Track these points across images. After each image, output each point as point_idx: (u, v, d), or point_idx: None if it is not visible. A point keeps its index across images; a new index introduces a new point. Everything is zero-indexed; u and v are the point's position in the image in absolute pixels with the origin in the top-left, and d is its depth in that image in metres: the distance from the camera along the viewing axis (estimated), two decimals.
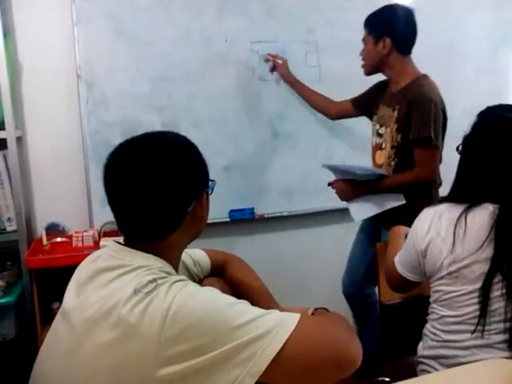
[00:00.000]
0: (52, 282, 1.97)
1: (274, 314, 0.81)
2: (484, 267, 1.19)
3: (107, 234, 2.19)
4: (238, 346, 0.75)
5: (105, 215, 2.13)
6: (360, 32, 2.04)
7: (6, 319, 1.99)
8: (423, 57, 2.54)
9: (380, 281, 1.66)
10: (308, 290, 2.51)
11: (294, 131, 2.50)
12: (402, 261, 1.39)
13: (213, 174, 0.98)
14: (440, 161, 1.94)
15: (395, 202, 1.94)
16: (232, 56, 2.35)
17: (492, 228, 1.19)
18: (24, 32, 2.15)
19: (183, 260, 1.09)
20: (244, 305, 0.82)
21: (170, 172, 0.88)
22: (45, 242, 2.10)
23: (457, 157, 1.34)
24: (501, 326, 1.18)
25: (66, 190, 2.25)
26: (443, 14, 2.68)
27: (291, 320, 0.80)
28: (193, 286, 0.82)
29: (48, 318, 2.08)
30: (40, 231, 2.18)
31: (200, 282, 1.17)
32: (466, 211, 1.23)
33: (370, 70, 2.05)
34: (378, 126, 2.05)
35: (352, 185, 2.01)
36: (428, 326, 1.33)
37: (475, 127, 1.30)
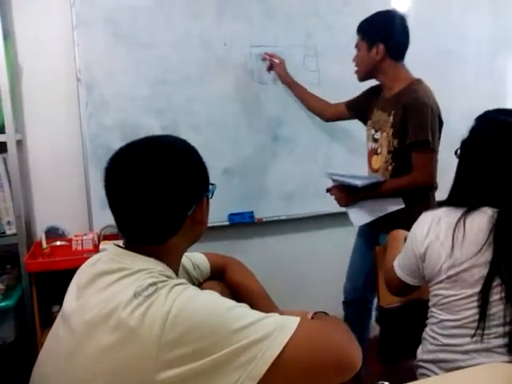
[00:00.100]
0: (52, 285, 1.97)
1: (274, 318, 0.81)
2: (483, 271, 1.19)
3: (107, 238, 2.19)
4: (237, 349, 0.75)
5: (104, 218, 2.13)
6: None
7: (6, 322, 1.99)
8: (422, 61, 2.55)
9: (379, 285, 1.66)
10: (307, 293, 2.51)
11: (293, 135, 2.51)
12: (401, 265, 1.39)
13: (212, 178, 0.99)
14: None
15: (394, 206, 1.95)
16: (231, 59, 2.36)
17: (491, 232, 1.20)
18: (24, 35, 2.16)
19: (183, 263, 1.09)
20: (244, 308, 0.82)
21: (170, 176, 0.88)
22: (44, 245, 2.10)
23: (454, 160, 1.35)
24: (500, 329, 1.18)
25: (65, 194, 2.26)
26: (442, 19, 2.69)
27: (291, 323, 0.80)
28: (193, 290, 0.82)
29: (48, 321, 2.07)
30: (40, 234, 2.18)
31: (200, 285, 1.17)
32: (464, 215, 1.23)
33: (363, 76, 2.06)
34: (373, 131, 2.06)
35: (350, 191, 2.01)
36: (427, 329, 1.33)
37: (473, 131, 1.30)
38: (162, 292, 0.79)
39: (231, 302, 0.83)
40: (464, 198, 1.28)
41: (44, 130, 2.22)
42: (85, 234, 2.18)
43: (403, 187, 1.92)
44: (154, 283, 0.81)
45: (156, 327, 0.75)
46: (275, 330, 0.78)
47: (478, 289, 1.19)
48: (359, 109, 2.19)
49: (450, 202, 1.31)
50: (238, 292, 1.16)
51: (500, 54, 2.87)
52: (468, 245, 1.21)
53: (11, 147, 1.99)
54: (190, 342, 0.74)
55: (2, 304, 1.92)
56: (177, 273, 0.95)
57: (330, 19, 2.48)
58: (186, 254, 1.02)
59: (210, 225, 1.00)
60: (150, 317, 0.76)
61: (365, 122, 2.17)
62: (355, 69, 2.06)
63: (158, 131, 1.05)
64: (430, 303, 1.32)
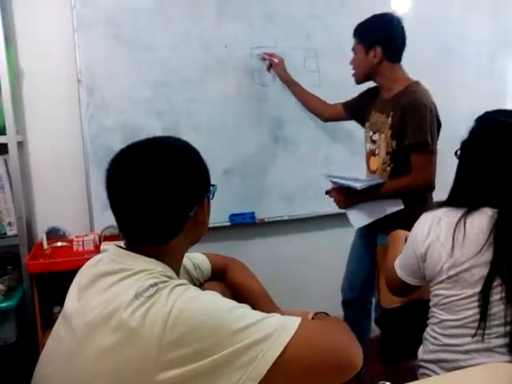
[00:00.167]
0: (53, 286, 1.97)
1: (275, 318, 0.81)
2: (483, 271, 1.19)
3: (108, 238, 2.19)
4: (238, 349, 0.75)
5: (105, 219, 2.13)
6: None
7: (7, 323, 2.00)
8: (422, 61, 2.56)
9: (380, 285, 1.66)
10: (308, 293, 2.51)
11: (294, 136, 2.51)
12: (401, 265, 1.39)
13: (213, 179, 0.99)
14: None
15: (394, 207, 1.95)
16: (232, 61, 2.37)
17: (491, 232, 1.20)
18: (25, 37, 2.16)
19: (184, 264, 1.09)
20: (245, 309, 0.83)
21: (172, 177, 0.88)
22: (45, 246, 2.10)
23: (454, 160, 1.35)
24: (501, 329, 1.18)
25: (66, 195, 2.26)
26: (442, 19, 2.70)
27: (292, 324, 0.80)
28: (194, 290, 0.83)
29: (49, 322, 2.08)
30: (41, 235, 2.19)
31: (201, 285, 1.17)
32: (464, 216, 1.24)
33: (360, 79, 2.07)
34: (371, 133, 2.07)
35: (350, 193, 2.02)
36: (428, 329, 1.33)
37: (473, 132, 1.31)
38: (163, 293, 0.79)
39: (232, 303, 0.83)
40: (464, 198, 1.28)
41: (45, 132, 2.23)
42: (86, 235, 2.19)
43: (403, 188, 1.92)
44: (155, 284, 0.81)
45: (157, 328, 0.75)
46: (276, 331, 0.78)
47: (478, 289, 1.20)
48: (356, 110, 2.19)
49: (450, 202, 1.31)
50: (239, 292, 1.16)
51: (500, 55, 2.87)
52: (468, 245, 1.22)
53: (12, 149, 1.99)
54: (190, 343, 0.75)
55: (3, 305, 1.92)
56: (178, 273, 0.95)
57: (329, 20, 2.48)
58: (187, 254, 1.02)
59: (211, 225, 1.01)
60: (151, 317, 0.76)
61: (362, 124, 2.18)
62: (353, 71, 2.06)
63: (158, 133, 1.05)
64: (431, 303, 1.32)
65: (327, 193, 2.10)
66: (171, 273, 0.89)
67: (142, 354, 0.75)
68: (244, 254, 1.39)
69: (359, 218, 2.05)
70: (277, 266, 2.56)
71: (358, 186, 1.92)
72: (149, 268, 0.85)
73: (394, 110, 1.92)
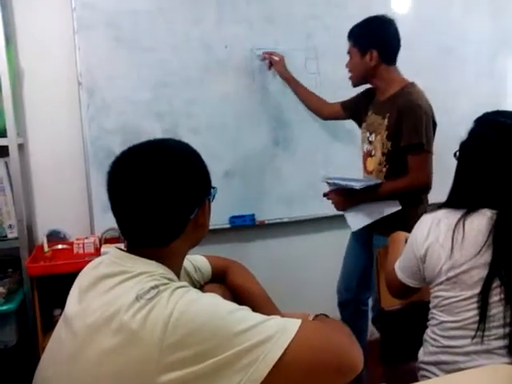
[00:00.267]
0: (53, 289, 1.97)
1: (276, 320, 0.81)
2: (482, 272, 1.19)
3: (108, 241, 2.19)
4: (239, 351, 0.75)
5: (106, 222, 2.13)
6: None
7: (7, 326, 1.99)
8: (422, 61, 2.56)
9: (380, 287, 1.66)
10: (308, 295, 2.51)
11: (294, 138, 2.51)
12: (401, 267, 1.39)
13: (213, 181, 0.99)
14: None
15: (391, 208, 1.96)
16: (232, 62, 2.37)
17: (490, 233, 1.20)
18: (26, 39, 2.16)
19: (184, 266, 1.09)
20: (245, 311, 0.83)
21: (173, 179, 0.88)
22: (46, 248, 2.10)
23: (454, 161, 1.35)
24: (500, 331, 1.18)
25: (67, 197, 2.26)
26: (442, 19, 2.70)
27: (292, 326, 0.80)
28: (194, 293, 0.83)
29: (49, 325, 2.07)
30: (41, 238, 2.18)
31: (201, 288, 1.17)
32: (464, 217, 1.24)
33: (357, 82, 2.09)
34: (367, 134, 2.08)
35: (347, 195, 2.03)
36: (428, 331, 1.33)
37: (472, 133, 1.31)
38: (164, 295, 0.79)
39: (233, 305, 0.83)
40: (463, 199, 1.28)
41: (45, 134, 2.23)
42: (86, 238, 2.18)
43: (400, 189, 1.94)
44: (156, 286, 0.81)
45: (158, 330, 0.75)
46: (277, 333, 0.78)
47: (477, 290, 1.20)
48: (353, 110, 2.21)
49: (449, 203, 1.31)
50: (240, 295, 1.16)
51: (500, 55, 2.87)
52: (467, 246, 1.22)
53: (13, 151, 1.99)
54: (191, 345, 0.75)
55: (4, 308, 1.92)
56: (178, 276, 0.95)
57: (329, 21, 2.48)
58: (187, 256, 1.02)
59: (211, 227, 1.01)
60: (152, 320, 0.76)
61: (359, 124, 2.19)
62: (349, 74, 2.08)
63: (159, 134, 1.05)
64: (431, 305, 1.32)
65: (325, 195, 2.11)
66: (172, 275, 0.89)
67: (142, 357, 0.75)
68: (244, 256, 1.39)
69: (357, 220, 2.07)
70: (277, 268, 2.56)
71: (357, 185, 1.93)
72: (149, 270, 0.86)
73: (390, 111, 1.94)
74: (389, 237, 1.66)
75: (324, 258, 2.61)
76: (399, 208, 1.95)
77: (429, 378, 1.28)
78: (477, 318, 1.19)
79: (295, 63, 2.41)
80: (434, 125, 1.95)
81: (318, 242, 2.66)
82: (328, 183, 2.10)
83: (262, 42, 2.39)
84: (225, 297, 0.87)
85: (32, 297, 2.01)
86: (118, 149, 0.93)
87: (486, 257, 1.19)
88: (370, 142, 2.05)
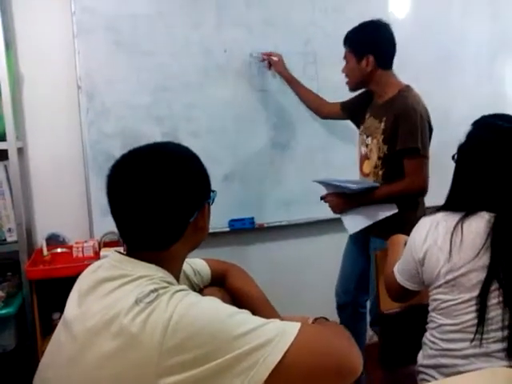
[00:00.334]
0: (52, 292, 1.97)
1: (275, 324, 0.81)
2: (481, 275, 1.20)
3: (107, 245, 2.19)
4: (239, 355, 0.75)
5: (105, 225, 2.13)
6: None
7: (6, 330, 1.99)
8: (422, 64, 2.57)
9: (380, 290, 1.66)
10: (307, 298, 2.51)
11: (293, 141, 2.52)
12: (400, 270, 1.39)
13: (212, 184, 0.99)
14: None
15: (388, 211, 1.97)
16: (231, 66, 2.37)
17: (488, 236, 1.20)
18: (25, 43, 2.17)
19: (184, 269, 1.09)
20: (245, 314, 0.83)
21: (173, 183, 0.89)
22: (45, 252, 2.10)
23: (453, 164, 1.35)
24: (499, 334, 1.18)
25: (66, 201, 2.26)
26: (441, 22, 2.71)
27: (292, 329, 0.80)
28: (194, 296, 0.83)
29: (48, 329, 2.07)
30: (40, 242, 2.18)
31: (200, 291, 1.17)
32: (462, 220, 1.24)
33: (354, 87, 2.10)
34: (365, 137, 2.09)
35: (345, 198, 2.04)
36: (427, 334, 1.33)
37: (470, 136, 1.31)
38: (164, 298, 0.79)
39: (232, 309, 0.83)
40: (461, 202, 1.28)
41: (45, 138, 2.23)
42: (85, 241, 2.18)
43: (396, 193, 1.95)
44: (156, 290, 0.81)
45: (157, 333, 0.75)
46: (276, 336, 0.78)
47: (475, 293, 1.20)
48: (353, 111, 2.22)
49: (447, 206, 1.32)
50: (239, 298, 1.16)
51: (499, 57, 2.88)
52: (466, 249, 1.22)
53: (12, 155, 2.00)
54: (191, 349, 0.75)
55: (3, 311, 1.92)
56: (178, 279, 0.96)
57: (328, 26, 2.49)
58: (186, 260, 1.02)
59: (210, 231, 1.01)
60: (152, 323, 0.76)
61: (357, 125, 2.20)
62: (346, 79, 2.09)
63: (158, 138, 1.06)
64: (430, 308, 1.33)
65: (322, 198, 2.12)
66: (171, 278, 0.90)
67: (142, 360, 0.75)
68: (243, 260, 1.39)
69: (354, 223, 2.08)
70: (276, 271, 2.56)
71: (354, 187, 1.94)
72: (149, 274, 0.86)
73: (387, 115, 1.95)
74: (386, 239, 1.67)
75: (323, 261, 2.61)
76: (396, 211, 1.96)
77: (428, 381, 1.28)
78: (475, 321, 1.19)
79: (294, 67, 2.41)
80: (430, 129, 1.96)
81: (318, 245, 2.66)
82: (320, 183, 2.10)
83: (261, 47, 2.39)
84: (224, 300, 0.87)
85: (31, 300, 2.00)
86: (118, 153, 0.94)
87: (485, 259, 1.20)
88: (367, 145, 2.06)
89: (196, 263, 1.20)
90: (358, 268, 2.20)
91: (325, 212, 2.17)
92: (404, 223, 1.50)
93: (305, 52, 2.48)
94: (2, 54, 1.96)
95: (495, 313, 1.19)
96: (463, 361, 1.21)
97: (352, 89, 2.11)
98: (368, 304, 2.24)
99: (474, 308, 1.20)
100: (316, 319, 1.04)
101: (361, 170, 2.14)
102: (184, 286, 0.88)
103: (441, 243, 1.25)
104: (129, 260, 0.89)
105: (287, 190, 2.53)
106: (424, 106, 1.94)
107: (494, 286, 1.19)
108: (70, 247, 2.18)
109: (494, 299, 1.19)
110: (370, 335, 2.41)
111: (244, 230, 2.47)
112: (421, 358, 1.34)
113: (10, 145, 1.99)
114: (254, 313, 0.85)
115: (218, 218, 2.27)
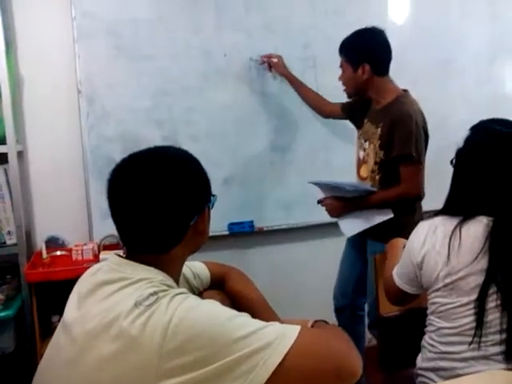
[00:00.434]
0: (51, 295, 1.97)
1: (275, 327, 0.81)
2: (479, 279, 1.20)
3: (107, 248, 2.19)
4: (239, 358, 0.75)
5: (104, 228, 2.14)
6: None
7: (6, 333, 1.99)
8: (421, 68, 2.57)
9: (379, 293, 1.66)
10: (307, 301, 2.51)
11: (293, 144, 2.52)
12: (399, 273, 1.39)
13: (212, 187, 0.99)
14: None
15: (383, 216, 1.99)
16: (231, 70, 2.38)
17: (486, 240, 1.21)
18: (26, 47, 2.18)
19: (183, 272, 1.09)
20: (244, 317, 0.83)
21: (173, 187, 0.89)
22: (44, 255, 2.10)
23: (450, 168, 1.36)
24: (497, 337, 1.19)
25: (66, 204, 2.26)
26: (440, 26, 2.71)
27: (292, 332, 0.80)
28: (193, 299, 0.83)
29: (47, 331, 2.07)
30: (40, 244, 2.18)
31: (200, 294, 1.17)
32: (460, 224, 1.25)
33: (351, 95, 2.12)
34: (363, 141, 2.11)
35: (342, 202, 2.05)
36: (426, 337, 1.33)
37: (468, 141, 1.32)
38: (163, 301, 0.79)
39: (232, 312, 0.83)
40: (460, 206, 1.29)
41: (45, 141, 2.23)
42: (85, 244, 2.18)
43: (392, 199, 1.97)
44: (155, 293, 0.81)
45: (157, 336, 0.75)
46: (276, 339, 0.78)
47: (474, 297, 1.20)
48: (352, 112, 2.23)
49: (445, 210, 1.32)
50: (238, 301, 1.16)
51: (498, 61, 2.88)
52: (464, 253, 1.22)
53: (12, 158, 2.00)
54: (191, 351, 0.75)
55: (2, 314, 1.92)
56: (178, 282, 0.96)
57: (328, 30, 2.49)
58: (186, 263, 1.02)
59: (210, 234, 1.01)
60: (151, 326, 0.77)
61: (356, 125, 2.22)
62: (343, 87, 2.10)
63: (158, 142, 1.06)
64: (428, 311, 1.33)
65: (319, 202, 2.12)
66: (171, 282, 0.90)
67: (142, 363, 0.75)
68: (243, 263, 1.39)
69: (350, 227, 2.09)
70: (276, 275, 2.56)
71: (350, 187, 1.97)
72: (148, 277, 0.86)
73: (383, 120, 1.97)
74: (384, 242, 1.68)
75: (323, 264, 2.61)
76: (391, 216, 1.97)
77: None
78: (474, 324, 1.20)
79: (294, 72, 2.42)
80: (426, 136, 1.98)
81: (317, 248, 2.66)
82: (321, 188, 2.11)
83: (261, 50, 2.40)
84: (224, 303, 0.88)
85: (30, 303, 2.00)
86: (118, 157, 0.94)
87: (483, 263, 1.20)
88: (365, 150, 2.08)
89: (195, 266, 1.21)
90: (355, 271, 2.21)
91: (324, 216, 2.17)
92: (401, 227, 1.51)
93: (304, 56, 2.49)
94: (3, 58, 1.97)
95: (493, 316, 1.19)
96: (462, 364, 1.21)
97: (350, 96, 2.13)
98: (366, 307, 2.24)
99: (472, 311, 1.20)
100: (315, 322, 1.04)
101: (358, 174, 2.15)
102: (184, 289, 0.88)
103: (439, 247, 1.26)
104: (128, 263, 0.89)
105: (286, 193, 2.53)
106: (421, 112, 1.96)
107: (492, 289, 1.19)
108: (70, 250, 2.18)
109: (492, 302, 1.19)
110: (369, 338, 2.41)
111: (243, 233, 2.48)
112: (420, 361, 1.34)
113: (9, 148, 1.99)
114: (254, 316, 0.85)
115: (218, 221, 2.26)
